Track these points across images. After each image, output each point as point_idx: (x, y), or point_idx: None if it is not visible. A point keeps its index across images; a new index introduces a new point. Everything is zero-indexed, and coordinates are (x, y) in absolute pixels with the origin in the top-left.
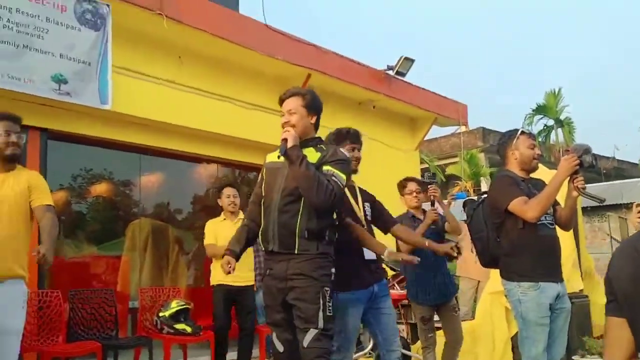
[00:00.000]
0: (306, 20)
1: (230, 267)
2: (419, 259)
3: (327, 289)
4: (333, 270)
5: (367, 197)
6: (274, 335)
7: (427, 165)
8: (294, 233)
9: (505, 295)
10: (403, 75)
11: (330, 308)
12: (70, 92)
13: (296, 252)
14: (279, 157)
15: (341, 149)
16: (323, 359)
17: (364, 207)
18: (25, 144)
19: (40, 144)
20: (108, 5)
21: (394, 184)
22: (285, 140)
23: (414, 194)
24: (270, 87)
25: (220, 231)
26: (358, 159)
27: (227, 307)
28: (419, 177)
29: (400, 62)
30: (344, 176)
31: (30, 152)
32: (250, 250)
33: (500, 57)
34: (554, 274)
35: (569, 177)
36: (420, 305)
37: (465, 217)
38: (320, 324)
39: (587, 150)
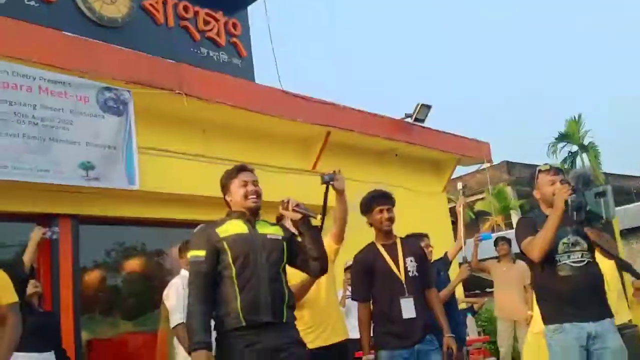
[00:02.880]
0: (318, 78)
1: None
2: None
3: None
4: None
5: (412, 250)
6: None
7: (454, 204)
8: (283, 302)
9: None
10: (422, 121)
11: None
12: (99, 177)
13: (285, 320)
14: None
15: None
16: None
17: (405, 262)
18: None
19: (72, 230)
20: (129, 91)
21: (425, 229)
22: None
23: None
24: (294, 149)
25: None
26: (391, 219)
27: None
28: (448, 217)
29: (418, 109)
30: None
31: (62, 239)
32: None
33: (518, 87)
34: (581, 314)
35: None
36: None
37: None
38: None
39: (579, 177)
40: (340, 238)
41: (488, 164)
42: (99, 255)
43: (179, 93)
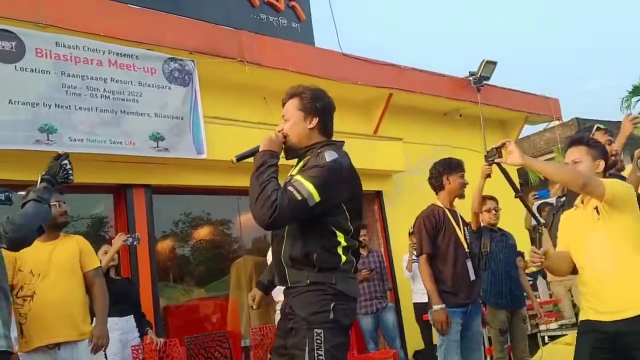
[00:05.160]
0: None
1: (254, 302)
2: None
3: (318, 330)
4: (333, 304)
5: (464, 221)
6: None
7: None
8: (281, 263)
9: None
10: (487, 79)
11: (322, 356)
12: (168, 148)
13: (289, 284)
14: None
15: (333, 151)
16: None
17: (463, 230)
18: (132, 201)
19: (146, 199)
20: (193, 61)
21: (490, 192)
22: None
23: (493, 211)
24: (355, 113)
25: None
26: (465, 185)
27: None
28: (516, 179)
29: (483, 66)
30: (309, 185)
31: (137, 209)
32: None
33: (585, 38)
34: None
35: None
36: (498, 311)
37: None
38: None
39: None
40: (582, 187)
41: (557, 122)
42: (170, 224)
43: (240, 61)
